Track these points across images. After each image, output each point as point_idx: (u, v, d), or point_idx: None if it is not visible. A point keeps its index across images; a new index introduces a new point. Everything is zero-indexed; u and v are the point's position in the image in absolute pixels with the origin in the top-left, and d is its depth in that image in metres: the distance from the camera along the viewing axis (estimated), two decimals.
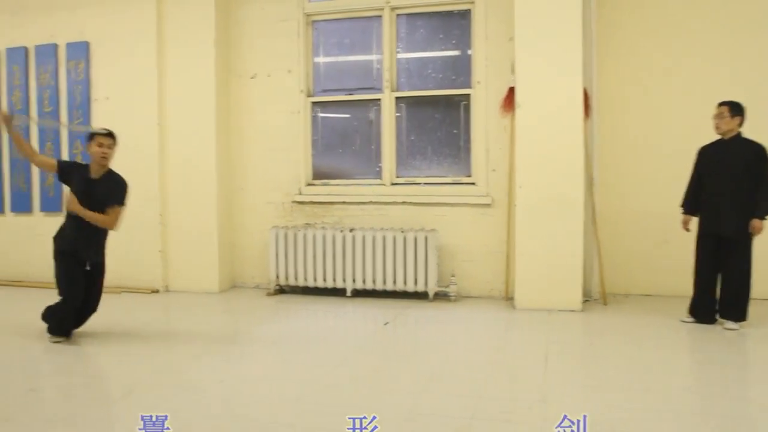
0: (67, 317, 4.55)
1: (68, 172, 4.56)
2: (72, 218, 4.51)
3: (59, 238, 4.58)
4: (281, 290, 6.39)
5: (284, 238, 6.26)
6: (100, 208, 4.46)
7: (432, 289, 5.89)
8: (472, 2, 6.06)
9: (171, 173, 6.51)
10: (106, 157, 4.50)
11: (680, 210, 5.12)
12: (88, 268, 4.56)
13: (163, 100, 6.50)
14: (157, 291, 6.44)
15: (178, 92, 6.47)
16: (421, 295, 5.99)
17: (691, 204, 5.05)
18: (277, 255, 6.28)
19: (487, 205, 6.01)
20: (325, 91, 6.63)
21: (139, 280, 6.51)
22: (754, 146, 4.74)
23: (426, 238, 5.88)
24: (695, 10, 5.86)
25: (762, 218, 4.65)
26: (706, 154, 4.97)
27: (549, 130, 5.42)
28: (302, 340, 4.74)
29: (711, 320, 4.91)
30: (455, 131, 6.26)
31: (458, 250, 6.09)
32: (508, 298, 5.89)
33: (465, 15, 6.17)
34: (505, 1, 5.79)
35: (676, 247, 5.76)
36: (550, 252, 5.43)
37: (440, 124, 6.34)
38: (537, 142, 5.44)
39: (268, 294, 6.30)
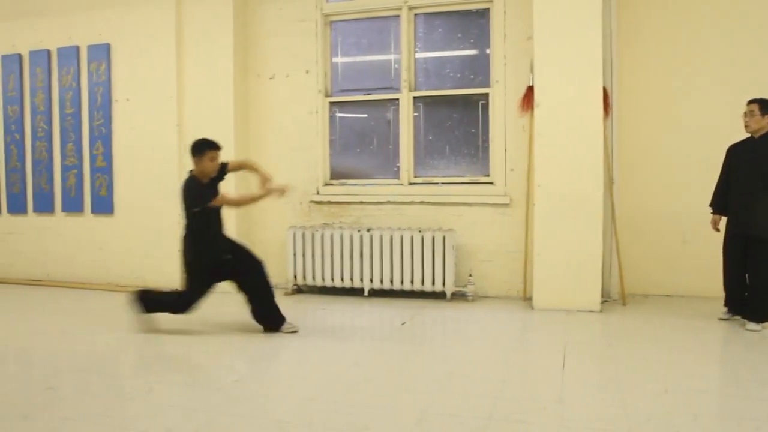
0: (169, 305, 4.84)
1: (211, 193, 4.71)
2: (207, 226, 4.65)
3: (203, 252, 4.69)
4: (299, 290, 6.42)
5: (302, 238, 6.28)
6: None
7: (449, 288, 5.88)
8: (491, 1, 6.03)
9: None
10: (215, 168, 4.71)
11: (709, 210, 5.04)
12: (229, 256, 4.78)
13: (182, 101, 6.57)
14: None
15: (197, 92, 6.54)
16: (438, 295, 5.98)
17: (720, 203, 4.97)
18: (294, 255, 6.31)
19: (505, 205, 5.98)
20: (343, 91, 6.64)
21: (159, 279, 6.55)
22: None
23: (444, 238, 5.86)
24: (718, 8, 5.78)
25: None
26: (735, 153, 4.88)
27: (568, 129, 5.37)
28: (319, 340, 4.75)
29: (744, 312, 4.85)
30: (473, 131, 6.24)
31: (476, 249, 6.06)
32: (527, 298, 5.86)
33: (483, 14, 6.14)
34: (523, 0, 5.76)
35: (696, 247, 5.71)
36: (568, 252, 5.39)
37: (458, 123, 6.32)
38: (556, 141, 5.40)
39: (286, 293, 6.32)
